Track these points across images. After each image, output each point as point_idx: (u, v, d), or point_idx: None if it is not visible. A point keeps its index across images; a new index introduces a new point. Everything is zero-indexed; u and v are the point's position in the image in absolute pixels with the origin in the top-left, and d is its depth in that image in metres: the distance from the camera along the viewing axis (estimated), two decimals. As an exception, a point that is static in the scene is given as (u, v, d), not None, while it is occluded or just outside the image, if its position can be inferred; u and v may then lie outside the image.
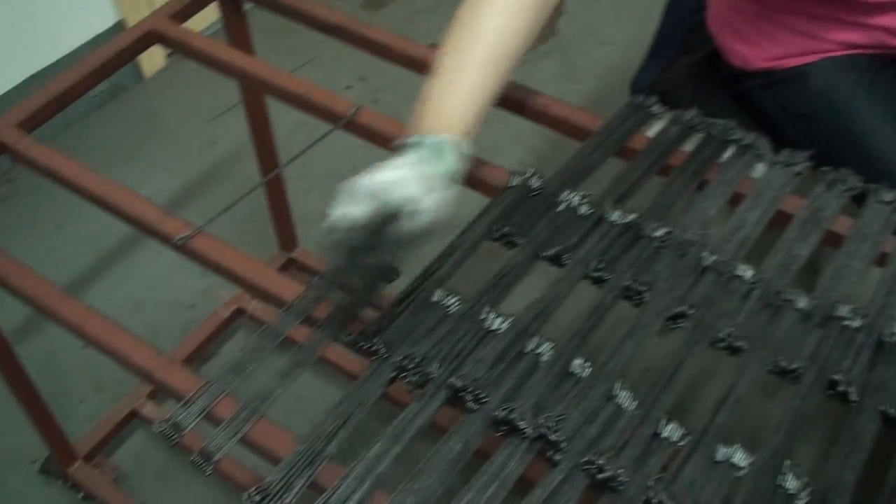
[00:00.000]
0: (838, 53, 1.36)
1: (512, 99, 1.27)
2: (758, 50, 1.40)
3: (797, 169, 1.16)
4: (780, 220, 1.11)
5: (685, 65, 1.65)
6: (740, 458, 0.85)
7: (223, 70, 1.36)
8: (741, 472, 0.84)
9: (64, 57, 2.42)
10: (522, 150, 2.31)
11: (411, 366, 0.92)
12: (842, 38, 1.34)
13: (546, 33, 2.73)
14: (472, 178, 1.15)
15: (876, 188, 1.13)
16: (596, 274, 1.03)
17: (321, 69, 2.64)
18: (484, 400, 0.88)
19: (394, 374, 0.92)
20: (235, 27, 1.55)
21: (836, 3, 1.30)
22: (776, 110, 1.43)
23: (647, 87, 1.63)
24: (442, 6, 2.80)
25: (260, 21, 1.72)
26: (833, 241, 1.08)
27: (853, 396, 0.89)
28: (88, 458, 1.80)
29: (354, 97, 1.61)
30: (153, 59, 2.69)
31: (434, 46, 1.12)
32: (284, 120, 1.88)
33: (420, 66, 1.29)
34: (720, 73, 1.51)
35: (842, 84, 1.35)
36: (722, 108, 1.48)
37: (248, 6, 1.54)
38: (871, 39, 1.34)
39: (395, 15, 2.83)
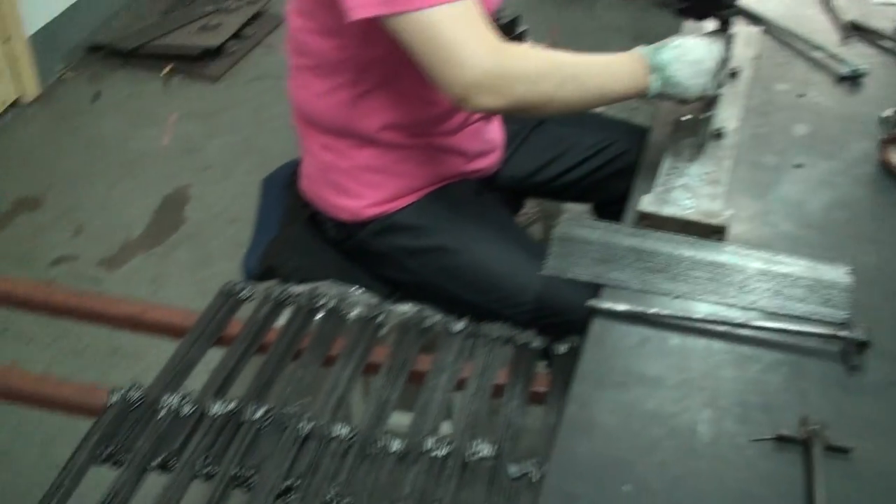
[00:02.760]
0: (438, 186, 1.50)
1: (107, 315, 1.28)
2: (362, 200, 1.48)
3: (379, 320, 1.26)
4: (370, 369, 1.20)
5: (289, 236, 1.73)
6: None
7: None
8: None
9: None
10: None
11: None
12: (430, 172, 1.48)
13: (175, 223, 2.77)
14: (68, 402, 1.14)
15: (446, 321, 1.25)
16: (204, 471, 1.05)
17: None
18: None
19: None
20: None
21: (417, 136, 1.43)
22: (392, 253, 1.52)
23: (257, 266, 1.70)
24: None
25: None
26: (418, 378, 1.18)
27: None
28: None
29: None
30: None
31: None
32: None
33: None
34: (328, 234, 1.60)
35: (448, 215, 1.49)
36: (334, 268, 1.58)
37: None
38: (452, 168, 1.50)
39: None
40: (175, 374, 1.19)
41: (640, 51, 1.27)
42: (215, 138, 3.10)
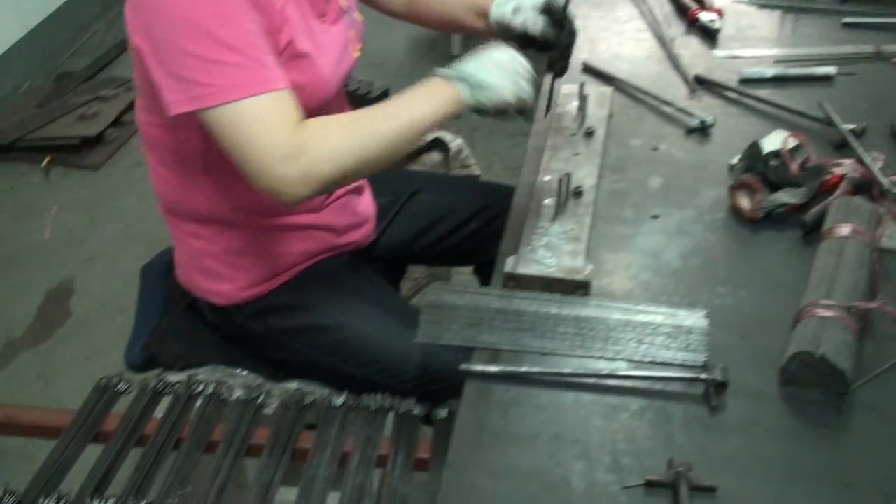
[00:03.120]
0: (309, 263, 1.51)
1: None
2: (234, 284, 1.49)
3: (260, 401, 1.26)
4: (253, 452, 1.20)
5: (169, 324, 1.72)
6: None
7: None
8: None
9: None
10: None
11: None
12: (300, 249, 1.49)
13: (61, 316, 2.71)
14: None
15: (328, 396, 1.26)
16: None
17: None
18: None
19: None
20: None
21: (280, 216, 1.44)
22: (271, 334, 1.53)
23: (139, 357, 1.68)
24: None
25: None
26: (301, 455, 1.18)
27: None
28: None
29: None
30: None
31: None
32: None
33: None
34: (206, 319, 1.59)
35: (323, 292, 1.50)
36: (216, 352, 1.57)
37: None
38: (323, 243, 1.51)
39: None
40: (51, 476, 1.16)
41: (439, 70, 1.29)
42: (98, 227, 3.06)
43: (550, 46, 1.43)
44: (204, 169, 1.35)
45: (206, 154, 1.18)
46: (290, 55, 1.28)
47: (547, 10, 1.43)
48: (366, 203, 1.59)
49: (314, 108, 1.33)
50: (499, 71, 1.27)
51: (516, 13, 1.45)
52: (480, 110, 1.28)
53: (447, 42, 3.95)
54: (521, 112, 1.31)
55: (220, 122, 1.16)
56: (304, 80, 1.30)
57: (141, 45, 1.20)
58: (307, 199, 1.20)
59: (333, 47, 1.39)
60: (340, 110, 1.49)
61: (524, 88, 1.28)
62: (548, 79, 1.51)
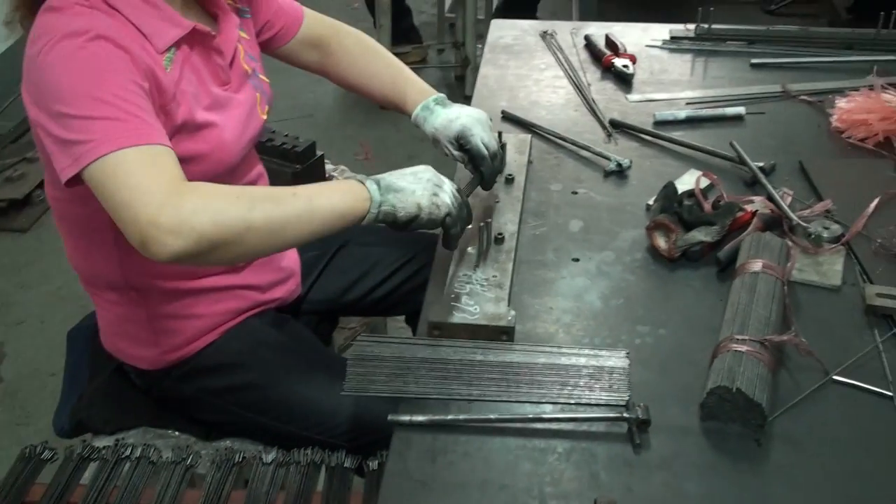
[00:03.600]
0: (234, 322, 1.50)
1: None
2: (158, 348, 1.47)
3: (189, 462, 1.25)
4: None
5: (97, 388, 1.69)
6: None
7: None
8: None
9: None
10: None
11: None
12: (224, 310, 1.48)
13: (-9, 384, 2.65)
14: None
15: (258, 452, 1.25)
16: None
17: None
18: None
19: None
20: None
21: (199, 279, 1.43)
22: (199, 395, 1.51)
23: (68, 423, 1.65)
24: None
25: None
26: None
27: None
28: None
29: None
30: None
31: None
32: None
33: None
34: (134, 384, 1.58)
35: (250, 350, 1.49)
36: (146, 415, 1.55)
37: None
38: (248, 301, 1.51)
39: None
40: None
41: (357, 175, 1.26)
42: (28, 290, 3.01)
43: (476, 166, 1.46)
44: (113, 239, 1.34)
45: (112, 225, 1.14)
46: (192, 127, 1.29)
47: (460, 145, 1.47)
48: (290, 258, 1.59)
49: (222, 173, 1.34)
50: (415, 179, 1.26)
51: (435, 142, 1.52)
52: (389, 220, 1.24)
53: (376, 92, 3.98)
54: (445, 235, 1.29)
55: (97, 176, 1.12)
56: (209, 147, 1.31)
57: (35, 118, 1.19)
58: (180, 256, 1.09)
59: (238, 114, 1.40)
60: (250, 173, 1.50)
61: (443, 202, 1.25)
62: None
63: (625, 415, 1.12)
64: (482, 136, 1.45)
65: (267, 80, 1.51)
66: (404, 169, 1.28)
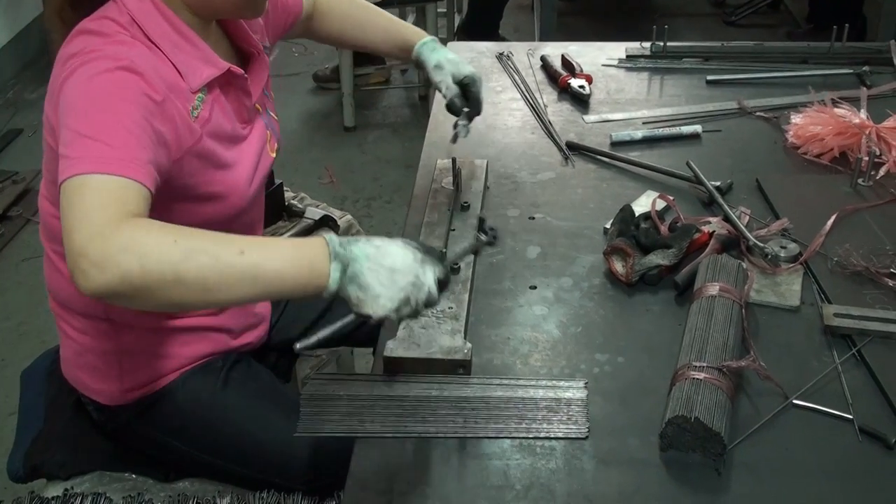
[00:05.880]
0: (196, 364, 1.47)
1: None
2: (121, 383, 1.45)
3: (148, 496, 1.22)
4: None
5: (52, 430, 1.66)
6: None
7: None
8: None
9: None
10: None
11: None
12: (192, 353, 1.46)
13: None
14: None
15: (213, 495, 1.22)
16: None
17: None
18: None
19: None
20: None
21: (175, 318, 1.41)
22: (158, 434, 1.49)
23: (22, 467, 1.61)
24: None
25: None
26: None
27: None
28: None
29: None
30: None
31: None
32: None
33: None
34: (92, 418, 1.54)
35: (210, 391, 1.46)
36: (102, 457, 1.52)
37: None
38: (218, 345, 1.49)
39: None
40: None
41: (326, 236, 1.08)
42: (-13, 327, 2.96)
43: (455, 112, 1.57)
44: None
45: None
46: (214, 164, 1.28)
47: (461, 84, 1.57)
48: (263, 304, 1.57)
49: (233, 215, 1.34)
50: (389, 279, 1.06)
51: (437, 70, 1.59)
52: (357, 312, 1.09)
53: (340, 115, 3.97)
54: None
55: (63, 194, 1.06)
56: (225, 189, 1.30)
57: (50, 135, 1.19)
58: (102, 292, 1.00)
59: (252, 152, 1.39)
60: (259, 215, 1.51)
61: (416, 308, 1.08)
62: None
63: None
64: (481, 92, 1.61)
65: (277, 119, 1.50)
66: (390, 250, 1.08)
